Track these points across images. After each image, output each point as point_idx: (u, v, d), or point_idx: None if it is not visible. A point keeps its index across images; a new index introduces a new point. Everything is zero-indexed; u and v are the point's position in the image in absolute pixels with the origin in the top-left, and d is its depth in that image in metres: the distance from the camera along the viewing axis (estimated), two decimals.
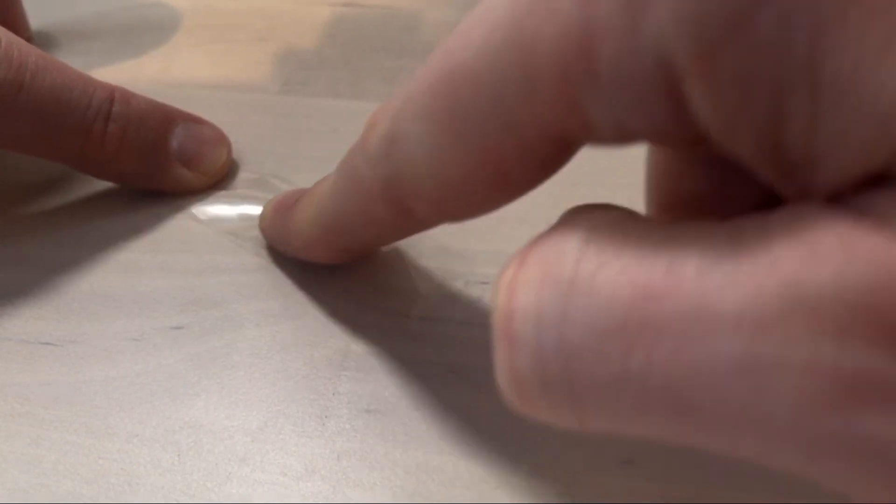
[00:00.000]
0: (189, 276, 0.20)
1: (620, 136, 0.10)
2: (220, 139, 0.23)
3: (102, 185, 0.23)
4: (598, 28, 0.09)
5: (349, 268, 0.20)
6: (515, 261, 0.10)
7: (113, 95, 0.21)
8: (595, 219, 0.10)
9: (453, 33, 0.12)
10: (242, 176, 0.24)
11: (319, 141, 0.25)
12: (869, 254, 0.08)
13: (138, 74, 0.29)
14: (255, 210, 0.22)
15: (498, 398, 0.17)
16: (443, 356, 0.18)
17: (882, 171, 0.08)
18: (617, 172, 0.21)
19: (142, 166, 0.22)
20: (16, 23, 0.31)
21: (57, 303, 0.20)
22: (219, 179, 0.23)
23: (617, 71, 0.09)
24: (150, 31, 0.32)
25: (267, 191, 0.23)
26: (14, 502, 0.15)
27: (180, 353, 0.18)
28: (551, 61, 0.10)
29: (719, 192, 0.12)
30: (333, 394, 0.17)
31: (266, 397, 0.17)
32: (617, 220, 0.10)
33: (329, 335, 0.18)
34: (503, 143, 0.11)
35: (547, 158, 0.11)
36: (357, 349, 0.18)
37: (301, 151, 0.24)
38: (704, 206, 0.12)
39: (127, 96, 0.21)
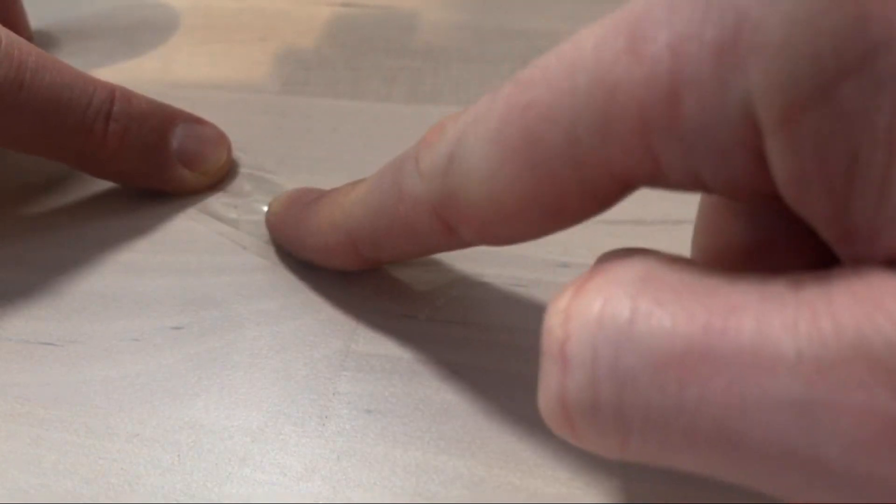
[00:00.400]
0: (189, 276, 0.20)
1: (689, 183, 0.11)
2: (221, 139, 0.23)
3: (102, 185, 0.23)
4: (685, 79, 0.10)
5: None
6: (571, 289, 0.11)
7: (113, 95, 0.21)
8: (650, 259, 0.10)
9: (531, 66, 0.12)
10: (242, 176, 0.24)
11: (319, 141, 0.25)
12: None
13: (138, 74, 0.29)
14: (255, 210, 0.22)
15: (498, 398, 0.17)
16: (443, 356, 0.18)
17: None
18: None
19: (142, 166, 0.22)
20: (16, 23, 0.31)
21: (57, 303, 0.20)
22: (219, 179, 0.23)
23: (700, 122, 0.10)
24: (150, 31, 0.32)
25: (267, 191, 0.23)
26: (14, 502, 0.15)
27: (180, 353, 0.18)
28: (633, 108, 0.10)
29: (771, 243, 0.13)
30: (333, 394, 0.17)
31: (266, 397, 0.17)
32: (672, 262, 0.10)
33: (329, 335, 0.18)
34: (568, 179, 0.11)
35: (607, 196, 0.11)
36: (357, 349, 0.18)
37: (301, 151, 0.24)
38: (753, 256, 0.13)
39: (127, 95, 0.21)
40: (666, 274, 0.10)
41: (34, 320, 0.19)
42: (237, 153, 0.24)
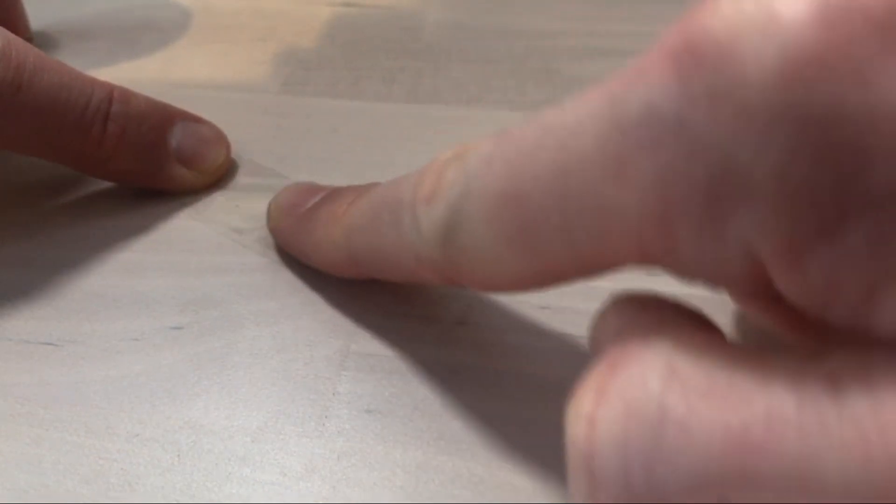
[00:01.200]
0: (189, 276, 0.20)
1: (693, 282, 0.10)
2: (220, 138, 0.23)
3: (102, 185, 0.23)
4: (677, 212, 0.09)
5: None
6: (592, 393, 0.10)
7: (112, 95, 0.21)
8: (673, 343, 0.10)
9: (515, 139, 0.12)
10: (242, 175, 0.24)
11: (319, 141, 0.25)
12: None
13: (138, 74, 0.29)
14: (255, 209, 0.22)
15: (498, 398, 0.17)
16: (443, 356, 0.18)
17: None
18: None
19: (141, 165, 0.22)
20: (16, 23, 0.31)
21: (57, 303, 0.20)
22: (218, 179, 0.23)
23: (697, 251, 0.10)
24: (150, 31, 0.32)
25: (267, 191, 0.23)
26: (14, 502, 0.15)
27: (180, 353, 0.18)
28: (626, 228, 0.10)
29: None
30: (333, 394, 0.17)
31: (266, 397, 0.17)
32: (695, 348, 0.10)
33: (329, 335, 0.18)
34: (568, 264, 0.11)
35: (611, 270, 0.12)
36: (357, 349, 0.18)
37: (300, 151, 0.24)
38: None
39: (126, 95, 0.21)
40: (692, 367, 0.10)
41: (34, 320, 0.19)
42: (237, 153, 0.24)
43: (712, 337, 0.11)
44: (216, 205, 0.23)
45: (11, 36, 0.20)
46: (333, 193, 0.19)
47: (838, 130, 0.08)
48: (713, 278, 0.10)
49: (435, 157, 0.14)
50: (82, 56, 0.30)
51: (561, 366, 0.17)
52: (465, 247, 0.13)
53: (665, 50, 0.09)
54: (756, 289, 0.10)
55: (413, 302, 0.19)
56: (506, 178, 0.12)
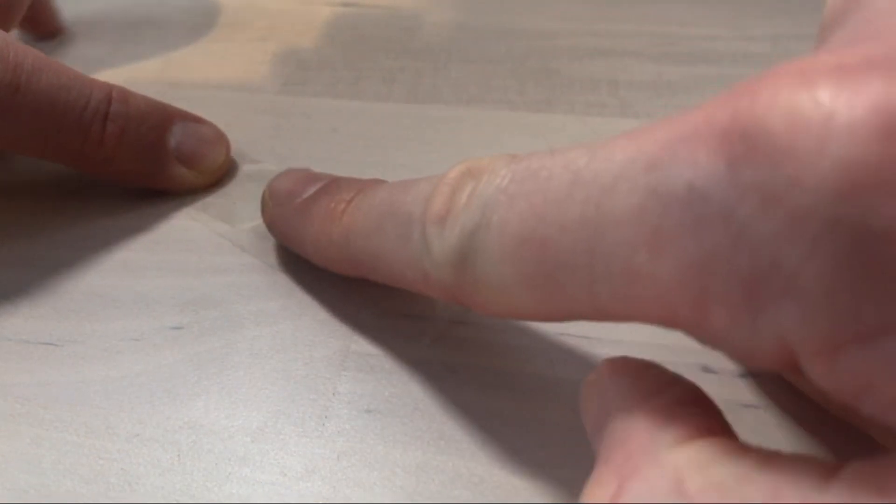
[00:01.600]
0: (189, 276, 0.20)
1: (717, 350, 0.10)
2: (219, 138, 0.23)
3: (102, 185, 0.23)
4: (713, 295, 0.09)
5: None
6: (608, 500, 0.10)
7: (111, 95, 0.21)
8: (681, 455, 0.10)
9: (539, 177, 0.11)
10: (242, 175, 0.24)
11: (319, 141, 0.25)
12: None
13: (138, 74, 0.29)
14: (255, 210, 0.22)
15: (498, 398, 0.17)
16: (443, 356, 0.18)
17: None
18: None
19: (141, 165, 0.22)
20: (46, 13, 0.31)
21: (57, 303, 0.20)
22: (218, 179, 0.23)
23: (729, 333, 0.09)
24: (150, 31, 0.32)
25: None
26: (14, 502, 0.15)
27: (180, 353, 0.18)
28: (656, 299, 0.10)
29: None
30: (333, 394, 0.17)
31: (266, 397, 0.17)
32: (706, 452, 0.10)
33: (329, 335, 0.18)
34: (586, 311, 0.11)
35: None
36: (357, 349, 0.18)
37: (300, 151, 0.24)
38: None
39: (125, 95, 0.21)
40: (700, 482, 0.09)
41: (34, 320, 0.19)
42: (236, 153, 0.24)
43: (715, 427, 0.11)
44: (216, 205, 0.23)
45: (9, 37, 0.20)
46: (332, 185, 0.18)
47: (891, 247, 0.08)
48: (740, 354, 0.10)
49: (445, 174, 0.14)
50: (82, 56, 0.30)
51: (561, 366, 0.17)
52: (478, 278, 0.12)
53: (714, 128, 0.09)
54: (783, 367, 0.10)
55: (413, 302, 0.19)
56: (529, 221, 0.11)
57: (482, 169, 0.13)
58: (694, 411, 0.11)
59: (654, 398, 0.11)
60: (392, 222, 0.15)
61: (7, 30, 0.24)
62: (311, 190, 0.18)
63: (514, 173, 0.12)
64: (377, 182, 0.17)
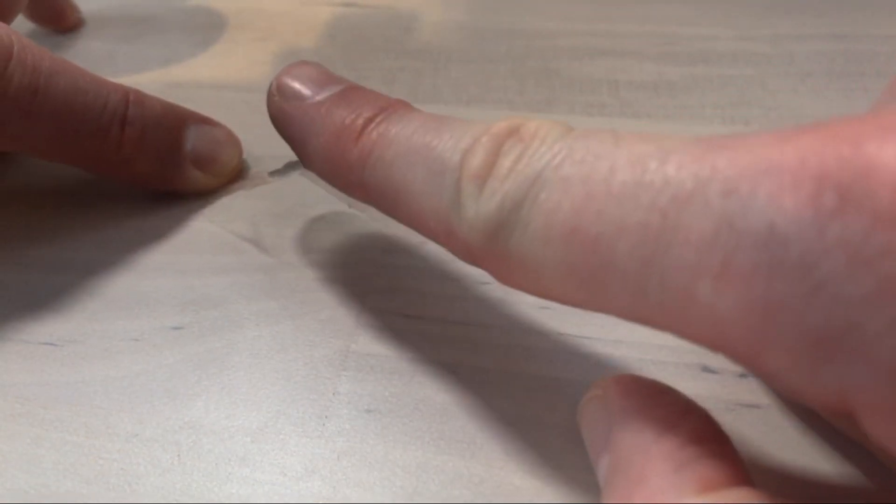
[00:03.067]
0: (189, 276, 0.20)
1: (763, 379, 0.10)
2: (233, 141, 0.23)
3: (102, 185, 0.23)
4: (773, 340, 0.09)
5: (350, 267, 0.20)
6: None
7: (128, 98, 0.21)
8: (693, 489, 0.10)
9: (621, 174, 0.10)
10: (241, 175, 0.24)
11: None
12: None
13: (138, 74, 0.29)
14: (254, 210, 0.22)
15: (498, 398, 0.17)
16: (443, 356, 0.18)
17: None
18: None
19: (157, 168, 0.22)
20: (63, 6, 0.31)
21: (57, 303, 0.20)
22: (229, 181, 0.23)
23: (784, 375, 0.09)
24: (151, 31, 0.32)
25: (266, 190, 0.23)
26: (14, 502, 0.15)
27: (180, 353, 0.18)
28: (711, 322, 0.10)
29: None
30: (333, 394, 0.17)
31: (266, 397, 0.17)
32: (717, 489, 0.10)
33: (329, 335, 0.18)
34: (625, 314, 0.11)
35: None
36: (357, 349, 0.18)
37: None
38: None
39: (141, 98, 0.21)
40: None
41: (34, 320, 0.19)
42: None
43: (737, 472, 0.10)
44: (216, 205, 0.23)
45: (25, 40, 0.20)
46: (351, 93, 0.16)
47: None
48: (788, 392, 0.10)
49: (487, 126, 0.13)
50: (82, 56, 0.30)
51: (561, 366, 0.17)
52: (512, 253, 0.12)
53: (807, 171, 0.09)
54: (834, 414, 0.09)
55: (413, 302, 0.19)
56: (585, 213, 0.11)
57: (532, 133, 0.12)
58: (712, 452, 0.11)
59: (670, 434, 0.11)
60: (422, 161, 0.13)
61: (8, 23, 0.24)
62: (326, 93, 0.17)
63: (571, 152, 0.11)
64: (403, 105, 0.16)
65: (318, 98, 0.16)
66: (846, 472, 0.15)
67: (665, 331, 0.11)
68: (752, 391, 0.16)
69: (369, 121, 0.15)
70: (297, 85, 0.17)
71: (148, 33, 0.32)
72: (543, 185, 0.11)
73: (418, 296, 0.19)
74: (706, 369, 0.17)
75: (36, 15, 0.32)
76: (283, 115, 0.17)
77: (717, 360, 0.17)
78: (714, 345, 0.10)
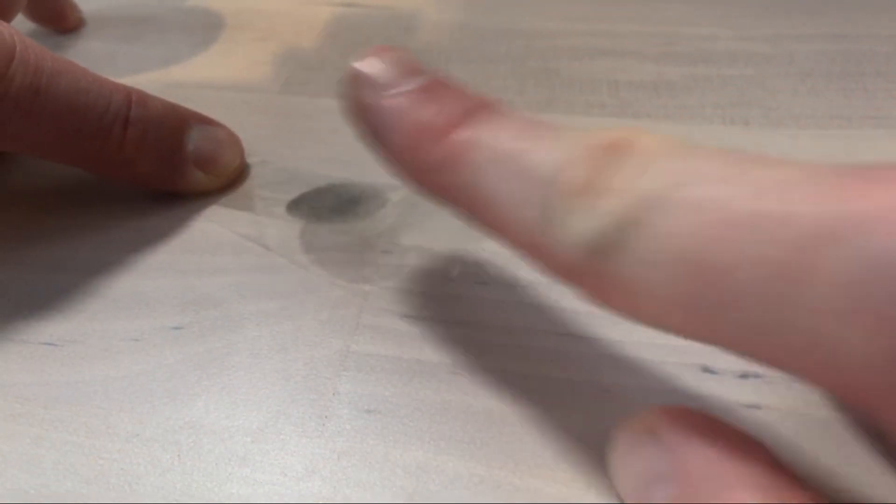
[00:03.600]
0: (189, 276, 0.20)
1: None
2: (235, 142, 0.23)
3: (101, 186, 0.23)
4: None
5: (350, 267, 0.20)
6: None
7: (130, 98, 0.21)
8: None
9: (744, 203, 0.10)
10: (241, 175, 0.24)
11: (319, 141, 0.25)
12: None
13: (138, 74, 0.29)
14: (253, 210, 0.22)
15: (498, 398, 0.17)
16: (443, 356, 0.18)
17: None
18: None
19: (159, 169, 0.22)
20: (64, 5, 0.31)
21: (57, 303, 0.20)
22: (231, 182, 0.23)
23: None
24: (150, 32, 0.32)
25: (266, 191, 0.23)
26: (14, 502, 0.15)
27: (180, 353, 0.18)
28: (838, 366, 0.09)
29: None
30: (333, 394, 0.17)
31: (266, 397, 0.17)
32: None
33: (330, 335, 0.18)
34: (737, 351, 0.10)
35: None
36: (357, 349, 0.18)
37: (301, 151, 0.24)
38: None
39: (143, 98, 0.21)
40: None
41: (34, 320, 0.19)
42: None
43: (798, 484, 0.10)
44: (215, 205, 0.23)
45: (27, 40, 0.20)
46: (436, 87, 0.15)
47: None
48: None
49: (589, 135, 0.12)
50: (82, 56, 0.30)
51: (562, 366, 0.17)
52: (616, 275, 0.11)
53: None
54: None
55: (413, 302, 0.19)
56: (705, 242, 0.10)
57: (641, 149, 0.11)
58: (787, 478, 0.10)
59: (748, 462, 0.11)
60: (514, 170, 0.13)
61: (7, 23, 0.24)
62: (407, 86, 0.16)
63: (686, 175, 0.10)
64: (493, 106, 0.15)
65: (399, 89, 0.15)
66: (846, 473, 0.15)
67: (776, 366, 0.10)
68: (753, 391, 0.16)
69: (457, 121, 0.14)
70: (373, 73, 0.16)
71: (148, 33, 0.32)
72: (656, 205, 0.10)
73: (418, 296, 0.19)
74: (706, 369, 0.17)
75: (36, 15, 0.32)
76: (359, 107, 0.16)
77: (718, 361, 0.17)
78: (835, 386, 0.09)
